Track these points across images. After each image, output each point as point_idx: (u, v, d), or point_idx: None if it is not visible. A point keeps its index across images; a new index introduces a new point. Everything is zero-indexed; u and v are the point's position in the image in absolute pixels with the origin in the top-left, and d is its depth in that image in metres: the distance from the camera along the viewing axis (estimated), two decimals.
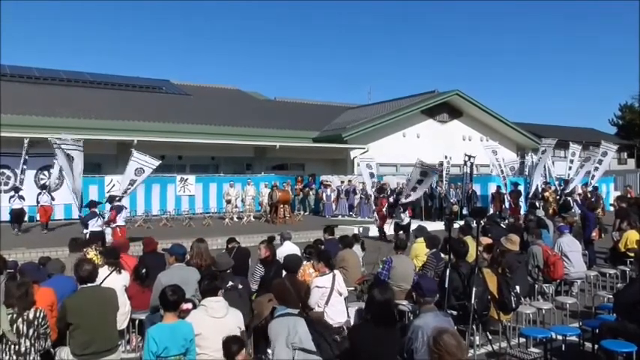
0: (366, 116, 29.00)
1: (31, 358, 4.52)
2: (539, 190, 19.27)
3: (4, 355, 4.37)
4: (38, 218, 17.15)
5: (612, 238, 10.97)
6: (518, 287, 6.81)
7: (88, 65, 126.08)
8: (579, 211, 13.51)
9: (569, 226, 10.08)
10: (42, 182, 18.04)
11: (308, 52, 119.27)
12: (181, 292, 4.58)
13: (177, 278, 5.46)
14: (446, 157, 21.86)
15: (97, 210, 11.99)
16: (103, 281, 5.90)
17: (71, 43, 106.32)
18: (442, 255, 7.71)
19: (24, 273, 5.80)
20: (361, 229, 16.91)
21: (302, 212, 22.63)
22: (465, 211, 18.88)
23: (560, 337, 5.86)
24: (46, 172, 18.65)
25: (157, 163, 13.55)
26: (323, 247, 8.20)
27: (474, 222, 7.34)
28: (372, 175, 17.83)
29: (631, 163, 46.18)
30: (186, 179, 21.06)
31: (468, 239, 7.94)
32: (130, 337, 6.41)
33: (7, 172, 18.44)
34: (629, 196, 16.78)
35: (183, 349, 4.31)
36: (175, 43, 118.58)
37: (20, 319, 4.50)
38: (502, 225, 11.73)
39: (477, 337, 6.19)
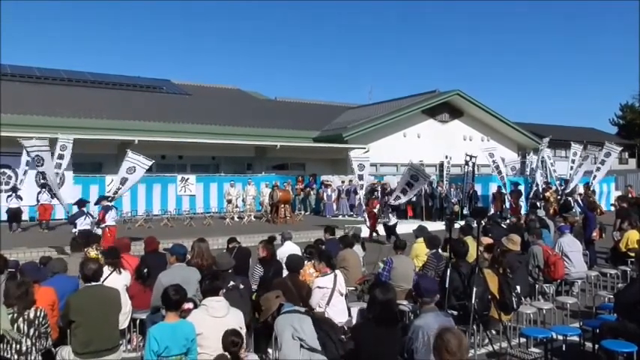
0: (367, 116, 29.00)
1: (32, 357, 4.53)
2: (540, 190, 19.27)
3: (5, 354, 4.38)
4: (38, 216, 17.21)
5: (613, 238, 10.96)
6: (518, 287, 6.81)
7: (88, 65, 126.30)
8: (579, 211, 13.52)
9: (569, 226, 10.08)
10: (42, 181, 18.07)
11: (308, 51, 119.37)
12: (184, 292, 4.59)
13: (178, 278, 5.46)
14: (446, 157, 21.86)
15: (85, 209, 11.93)
16: (103, 281, 5.91)
17: (72, 42, 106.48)
18: (442, 253, 7.72)
19: (24, 273, 5.81)
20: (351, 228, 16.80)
21: (303, 212, 22.65)
22: (465, 211, 18.88)
23: (560, 337, 5.86)
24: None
25: (149, 162, 13.48)
26: (324, 247, 8.21)
27: (475, 222, 7.35)
28: (360, 177, 17.51)
29: (632, 162, 46.15)
30: (187, 179, 21.03)
31: (469, 239, 7.95)
32: (130, 336, 6.41)
33: (8, 171, 18.45)
34: (630, 196, 16.78)
35: (185, 349, 4.32)
36: (176, 43, 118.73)
37: (21, 319, 4.51)
38: (503, 225, 11.73)
39: (478, 337, 6.19)
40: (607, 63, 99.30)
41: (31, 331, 4.54)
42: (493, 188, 20.47)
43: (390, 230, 15.28)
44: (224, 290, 5.31)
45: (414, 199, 21.19)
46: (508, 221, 13.55)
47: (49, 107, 22.93)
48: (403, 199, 15.39)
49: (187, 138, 23.40)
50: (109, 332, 4.92)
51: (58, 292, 5.39)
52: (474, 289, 5.80)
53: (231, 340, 4.11)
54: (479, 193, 20.75)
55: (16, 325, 4.46)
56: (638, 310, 5.36)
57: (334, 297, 6.16)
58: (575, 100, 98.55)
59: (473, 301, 5.75)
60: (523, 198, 19.63)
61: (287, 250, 8.07)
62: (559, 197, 18.72)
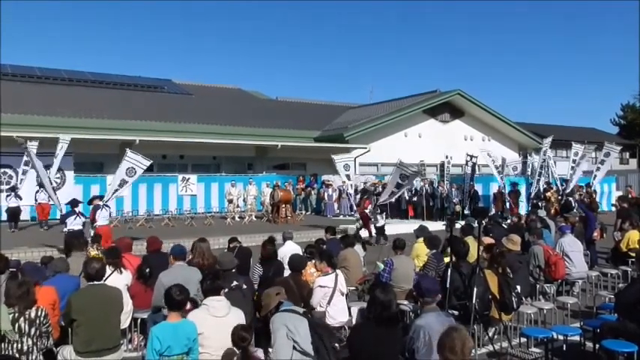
0: (368, 116, 29.00)
1: (34, 357, 4.54)
2: (541, 190, 19.27)
3: (6, 353, 4.39)
4: (38, 216, 17.33)
5: (614, 238, 10.96)
6: (519, 287, 6.81)
7: (89, 65, 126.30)
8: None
9: (570, 226, 10.08)
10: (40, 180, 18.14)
11: (309, 51, 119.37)
12: (187, 292, 4.60)
13: (179, 278, 5.47)
14: (447, 157, 21.86)
15: (77, 209, 11.94)
16: (104, 281, 5.92)
17: (73, 42, 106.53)
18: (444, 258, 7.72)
19: (24, 273, 5.83)
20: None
21: (304, 212, 22.66)
22: (466, 211, 18.87)
23: (561, 337, 5.86)
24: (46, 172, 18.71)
25: (148, 163, 13.51)
26: (324, 246, 8.21)
27: (476, 222, 7.35)
28: (347, 177, 17.31)
29: (633, 163, 46.07)
30: (188, 179, 21.07)
31: (469, 239, 7.95)
32: (131, 336, 6.42)
33: (10, 171, 18.49)
34: (630, 196, 16.76)
35: (186, 349, 4.34)
36: (177, 43, 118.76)
37: (22, 318, 4.52)
38: (504, 225, 11.72)
39: (479, 337, 6.19)
40: (608, 63, 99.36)
41: (33, 330, 4.55)
42: (494, 188, 20.47)
43: (379, 231, 15.15)
44: (226, 290, 5.31)
45: (415, 199, 21.30)
46: (509, 221, 13.53)
47: (50, 107, 22.95)
48: (391, 198, 15.24)
49: (188, 138, 23.41)
50: (111, 331, 4.93)
51: (59, 291, 5.40)
52: (475, 289, 5.80)
53: (240, 335, 4.10)
54: (480, 193, 20.74)
55: (17, 325, 4.47)
56: (638, 310, 5.36)
57: (335, 296, 6.17)
58: (576, 100, 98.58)
59: (474, 301, 5.76)
60: (523, 198, 19.62)
61: (288, 249, 8.09)
62: (559, 197, 18.72)
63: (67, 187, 18.62)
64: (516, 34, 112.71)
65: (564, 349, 5.93)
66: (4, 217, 17.09)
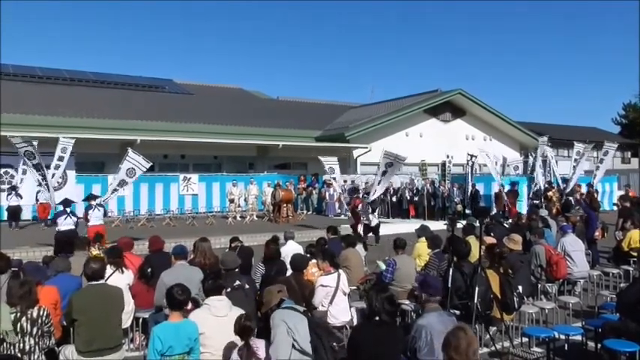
0: (369, 115, 28.99)
1: (36, 356, 4.54)
2: (542, 189, 19.24)
3: (8, 353, 4.39)
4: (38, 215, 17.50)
5: (615, 237, 10.95)
6: (520, 287, 6.80)
7: (90, 65, 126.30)
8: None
9: (572, 226, 10.06)
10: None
11: (310, 51, 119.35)
12: (189, 292, 4.60)
13: (181, 277, 5.47)
14: (449, 157, 21.83)
15: (69, 208, 11.94)
16: (105, 281, 5.92)
17: (74, 42, 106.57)
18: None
19: (25, 272, 5.83)
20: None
21: (305, 211, 22.65)
22: (467, 211, 18.85)
23: (563, 337, 5.86)
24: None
25: (147, 165, 13.60)
26: (326, 246, 8.20)
27: (477, 222, 7.34)
28: (334, 179, 17.24)
29: (634, 162, 45.99)
30: (190, 178, 21.08)
31: (471, 239, 7.94)
32: (133, 335, 6.43)
33: (11, 171, 18.52)
34: (629, 195, 16.72)
35: (188, 348, 4.34)
36: (178, 43, 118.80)
37: (24, 318, 4.52)
38: (505, 225, 11.71)
39: (480, 337, 6.19)
40: (609, 62, 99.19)
41: (34, 330, 4.55)
42: (495, 188, 20.45)
43: (373, 231, 14.80)
44: (228, 289, 5.31)
45: (416, 198, 21.28)
46: (510, 220, 13.52)
47: (52, 107, 22.97)
48: (379, 191, 15.04)
49: (190, 137, 23.42)
50: (112, 331, 4.93)
51: (60, 291, 5.41)
52: (477, 289, 5.79)
53: (244, 325, 4.13)
54: (481, 192, 20.72)
55: (19, 325, 4.47)
56: None
57: (337, 296, 6.17)
58: (578, 100, 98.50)
59: (475, 301, 5.75)
60: (523, 197, 19.59)
61: (289, 249, 8.09)
62: (560, 197, 18.69)
63: (69, 187, 18.62)
64: (517, 33, 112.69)
65: (566, 348, 5.92)
66: (5, 216, 17.19)
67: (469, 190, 19.98)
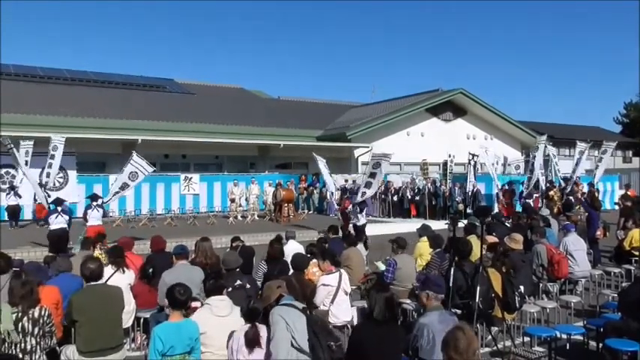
0: (370, 115, 28.98)
1: (37, 356, 4.54)
2: (544, 188, 19.20)
3: (10, 352, 4.39)
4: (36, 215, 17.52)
5: (617, 236, 10.93)
6: (522, 286, 6.80)
7: (91, 64, 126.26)
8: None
9: (574, 225, 10.05)
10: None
11: (311, 51, 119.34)
12: (190, 291, 4.60)
13: (182, 277, 5.47)
14: (450, 156, 21.82)
15: (60, 207, 11.96)
16: (106, 280, 5.93)
17: (75, 42, 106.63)
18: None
19: (26, 273, 5.83)
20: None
21: (306, 211, 22.65)
22: (469, 210, 18.84)
23: (564, 336, 5.85)
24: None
25: (151, 169, 13.66)
26: (327, 245, 8.20)
27: (478, 221, 7.33)
28: (331, 173, 17.05)
29: (635, 161, 45.91)
30: (191, 178, 21.09)
31: (472, 238, 7.94)
32: (134, 335, 6.44)
33: (12, 171, 18.54)
34: (629, 195, 16.69)
35: (189, 348, 4.33)
36: (179, 43, 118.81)
37: (25, 318, 4.52)
38: (507, 224, 11.69)
39: (482, 336, 6.18)
40: (611, 61, 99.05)
41: (36, 330, 4.55)
42: (505, 187, 20.39)
43: (360, 232, 14.08)
44: (229, 289, 5.31)
45: (417, 197, 21.26)
46: (511, 220, 13.49)
47: (53, 107, 23.00)
48: (369, 193, 14.93)
49: (191, 137, 23.43)
50: (113, 331, 4.93)
51: (62, 290, 5.41)
52: (478, 288, 5.79)
53: (253, 307, 4.29)
54: (482, 191, 20.71)
55: (20, 325, 4.48)
56: None
57: (339, 295, 6.17)
58: (580, 99, 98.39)
59: (477, 300, 5.74)
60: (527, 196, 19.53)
61: (291, 249, 8.10)
62: (561, 196, 18.66)
63: (70, 187, 18.69)
64: (519, 33, 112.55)
65: (568, 348, 5.91)
66: (5, 215, 17.32)
67: (470, 190, 19.96)
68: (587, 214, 12.39)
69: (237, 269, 6.10)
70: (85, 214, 12.26)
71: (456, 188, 20.71)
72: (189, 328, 4.39)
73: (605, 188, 24.20)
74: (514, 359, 5.34)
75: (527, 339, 6.34)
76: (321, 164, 16.91)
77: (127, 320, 6.03)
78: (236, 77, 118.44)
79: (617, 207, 15.12)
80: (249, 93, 36.98)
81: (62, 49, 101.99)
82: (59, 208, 11.77)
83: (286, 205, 19.03)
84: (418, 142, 28.22)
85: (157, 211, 20.11)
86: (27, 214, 18.32)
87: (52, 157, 14.15)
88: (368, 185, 14.34)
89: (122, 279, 6.19)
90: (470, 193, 19.90)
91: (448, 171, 21.57)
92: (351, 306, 6.45)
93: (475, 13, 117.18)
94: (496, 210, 18.34)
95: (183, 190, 20.95)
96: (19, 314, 4.51)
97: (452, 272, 6.03)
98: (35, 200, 17.35)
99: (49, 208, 12.85)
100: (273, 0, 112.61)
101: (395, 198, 21.85)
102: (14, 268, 5.82)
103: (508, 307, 6.28)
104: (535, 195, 19.99)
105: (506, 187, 19.39)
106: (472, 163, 19.95)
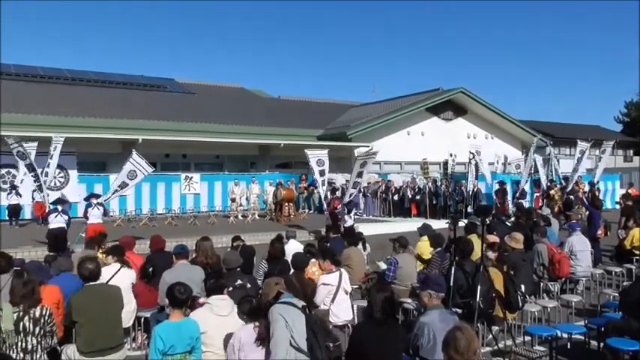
0: (371, 114, 28.94)
1: (38, 355, 4.54)
2: (545, 187, 19.22)
3: (10, 352, 4.39)
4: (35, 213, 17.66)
5: (618, 235, 10.93)
6: (522, 286, 6.79)
7: (92, 64, 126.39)
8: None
9: (579, 224, 10.03)
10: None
11: (312, 50, 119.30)
12: (190, 291, 4.60)
13: (182, 277, 5.47)
14: (451, 155, 21.80)
15: (59, 207, 11.97)
16: (112, 277, 5.94)
17: (75, 42, 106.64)
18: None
19: (27, 272, 5.83)
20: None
21: (307, 210, 22.64)
22: (469, 209, 18.83)
23: (565, 336, 5.85)
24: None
25: (150, 169, 13.68)
26: (328, 244, 8.21)
27: (479, 220, 7.33)
28: (322, 172, 16.26)
29: (636, 160, 45.89)
30: (191, 177, 21.10)
31: (473, 237, 7.94)
32: (135, 334, 6.44)
33: (14, 170, 18.56)
34: (631, 194, 16.71)
35: (189, 347, 4.34)
36: (179, 42, 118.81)
37: (27, 317, 4.52)
38: (507, 223, 11.69)
39: (482, 336, 6.18)
40: (612, 60, 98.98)
41: (37, 329, 4.54)
42: (497, 186, 20.42)
43: (349, 233, 14.45)
44: (230, 289, 5.31)
45: (418, 197, 21.26)
46: (513, 219, 13.49)
47: (53, 107, 22.98)
48: (354, 192, 14.83)
49: (191, 137, 23.41)
50: (113, 330, 4.93)
51: (63, 290, 5.41)
52: (479, 288, 5.78)
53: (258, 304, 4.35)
54: (483, 191, 20.70)
55: (21, 324, 4.47)
56: None
57: (339, 295, 6.17)
58: (581, 98, 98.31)
59: (477, 300, 5.74)
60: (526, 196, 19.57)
61: (291, 248, 8.10)
62: (563, 195, 18.68)
63: (71, 186, 18.71)
64: (520, 32, 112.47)
65: (569, 347, 5.91)
66: (5, 214, 17.44)
67: (471, 189, 19.96)
68: (588, 213, 12.39)
69: (238, 269, 6.10)
70: (86, 212, 12.28)
71: (457, 187, 20.72)
72: (189, 327, 4.39)
73: (606, 187, 24.19)
74: (515, 359, 5.33)
75: (528, 338, 6.34)
76: (313, 161, 16.39)
77: (128, 320, 6.03)
78: (236, 77, 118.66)
79: (618, 206, 15.10)
80: (249, 93, 36.97)
81: (62, 49, 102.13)
82: (59, 208, 11.78)
83: (287, 204, 19.04)
84: (418, 142, 28.18)
85: (158, 210, 20.10)
86: (27, 213, 18.37)
87: (51, 156, 14.19)
88: (355, 185, 14.28)
89: (125, 277, 6.20)
90: (470, 193, 19.90)
91: (450, 170, 21.57)
92: (352, 305, 6.44)
93: (475, 13, 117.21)
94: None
95: (184, 190, 20.96)
96: (21, 313, 4.51)
97: (452, 271, 6.02)
98: (33, 199, 17.44)
99: (49, 207, 12.87)
100: (273, 0, 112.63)
101: (395, 197, 21.84)
102: (15, 268, 5.83)
103: (510, 306, 6.27)
104: (536, 194, 20.05)
105: (498, 186, 19.37)
106: (473, 162, 19.95)
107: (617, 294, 7.13)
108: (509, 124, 31.62)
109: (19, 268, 5.90)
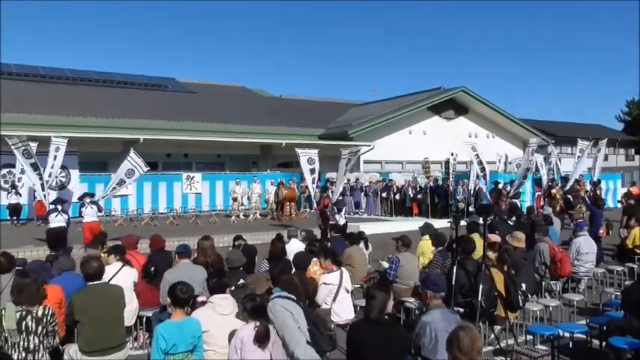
0: (372, 113, 28.95)
1: (40, 355, 4.54)
2: (545, 187, 19.19)
3: (13, 351, 4.40)
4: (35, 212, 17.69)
5: (620, 234, 10.92)
6: (524, 285, 6.79)
7: (93, 64, 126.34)
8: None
9: (585, 223, 10.02)
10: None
11: (313, 49, 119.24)
12: (191, 290, 4.60)
13: (184, 276, 5.47)
14: (453, 154, 21.77)
15: (60, 206, 12.00)
16: (114, 276, 5.95)
17: (76, 42, 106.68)
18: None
19: (30, 271, 5.84)
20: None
21: (308, 210, 22.63)
22: (471, 209, 18.80)
23: (567, 335, 5.85)
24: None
25: (146, 168, 13.78)
26: (329, 244, 8.22)
27: (481, 219, 7.33)
28: (312, 170, 15.96)
29: (638, 159, 45.79)
30: (193, 177, 21.11)
31: (475, 236, 7.93)
32: (137, 334, 6.44)
33: (14, 170, 18.58)
34: (633, 193, 16.69)
35: (191, 346, 4.34)
36: (180, 42, 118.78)
37: (29, 317, 4.53)
38: (509, 222, 11.69)
39: (484, 335, 6.18)
40: (611, 61, 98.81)
41: (39, 329, 4.54)
42: (492, 186, 20.38)
43: (341, 232, 14.34)
44: (232, 288, 5.31)
45: (419, 196, 21.24)
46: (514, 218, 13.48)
47: (55, 106, 23.02)
48: (339, 190, 14.81)
49: (193, 136, 23.42)
50: (114, 330, 4.94)
51: (65, 290, 5.41)
52: (480, 287, 5.78)
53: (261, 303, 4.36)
54: (484, 190, 20.66)
55: (24, 323, 4.48)
56: None
57: (340, 294, 6.17)
58: (580, 99, 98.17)
59: (479, 299, 5.74)
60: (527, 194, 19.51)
61: (293, 247, 8.10)
62: (562, 194, 18.66)
63: (72, 186, 18.70)
64: (520, 31, 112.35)
65: (570, 346, 5.91)
66: (6, 213, 17.52)
67: (472, 188, 19.93)
68: (589, 212, 12.38)
69: (241, 268, 6.10)
70: (81, 212, 12.37)
71: (459, 187, 20.68)
72: (191, 326, 4.39)
73: (608, 186, 24.15)
74: (517, 358, 5.33)
75: (529, 337, 6.34)
76: (303, 159, 15.99)
77: (130, 319, 6.04)
78: (237, 76, 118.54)
79: (619, 205, 15.09)
80: (250, 92, 36.98)
81: (63, 49, 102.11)
82: (59, 207, 11.82)
83: (288, 203, 19.04)
84: (420, 141, 28.19)
85: (160, 210, 20.12)
86: (28, 212, 18.40)
87: (55, 157, 14.17)
88: (341, 182, 14.34)
89: (127, 277, 6.20)
90: (472, 192, 19.87)
91: (451, 169, 21.54)
92: (354, 304, 6.45)
93: (475, 13, 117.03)
94: None
95: (186, 189, 20.99)
96: (23, 313, 4.51)
97: (454, 271, 6.02)
98: (34, 198, 17.50)
99: (49, 206, 12.91)
100: (273, 0, 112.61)
101: (397, 196, 21.83)
102: (17, 267, 5.84)
103: (512, 305, 6.27)
104: (537, 193, 20.01)
105: (492, 186, 19.34)
106: (475, 161, 19.92)
107: (618, 293, 7.13)
108: (510, 123, 31.61)
109: (20, 268, 5.92)
